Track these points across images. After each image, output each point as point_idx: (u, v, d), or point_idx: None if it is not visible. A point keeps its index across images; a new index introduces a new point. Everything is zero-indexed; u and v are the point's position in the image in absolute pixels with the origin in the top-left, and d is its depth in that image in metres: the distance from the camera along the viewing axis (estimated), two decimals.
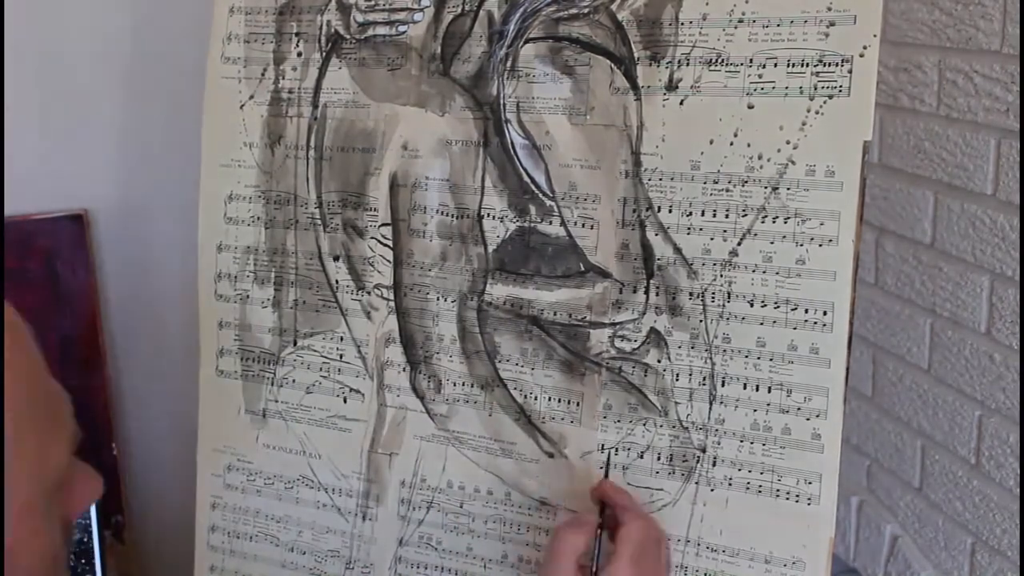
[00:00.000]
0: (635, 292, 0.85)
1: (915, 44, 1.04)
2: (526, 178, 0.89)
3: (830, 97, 0.78)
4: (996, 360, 0.97)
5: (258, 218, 1.01)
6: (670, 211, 0.83)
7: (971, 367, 1.01)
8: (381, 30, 0.95)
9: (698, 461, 0.84)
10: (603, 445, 0.87)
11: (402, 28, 0.94)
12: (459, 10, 0.91)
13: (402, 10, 0.94)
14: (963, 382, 1.02)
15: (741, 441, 0.82)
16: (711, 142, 0.82)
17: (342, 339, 0.97)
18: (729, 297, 0.82)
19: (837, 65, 0.78)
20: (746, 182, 0.81)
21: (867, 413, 1.19)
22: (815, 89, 0.79)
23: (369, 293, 0.96)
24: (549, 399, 0.89)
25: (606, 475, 0.85)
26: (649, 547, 0.77)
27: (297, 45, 0.99)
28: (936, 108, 1.02)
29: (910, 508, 1.12)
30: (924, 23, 1.03)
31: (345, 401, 0.98)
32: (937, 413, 1.07)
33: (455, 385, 0.92)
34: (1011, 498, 0.96)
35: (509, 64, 0.89)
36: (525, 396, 0.89)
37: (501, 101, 0.89)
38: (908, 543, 1.13)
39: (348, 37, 0.96)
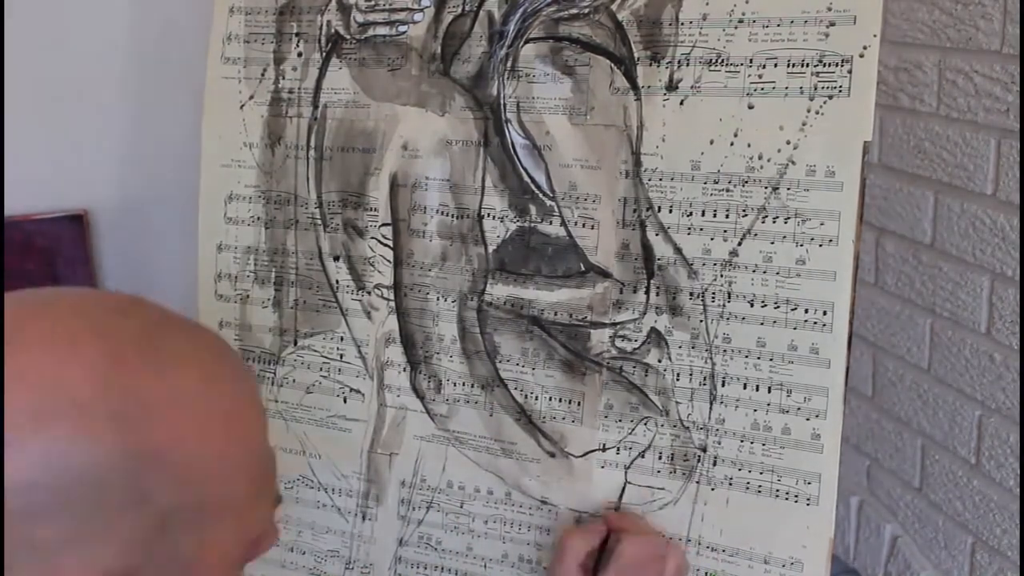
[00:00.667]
0: (635, 292, 0.85)
1: (915, 44, 1.05)
2: (526, 178, 0.89)
3: (830, 97, 0.78)
4: (996, 360, 0.97)
5: (258, 218, 1.01)
6: (670, 211, 0.83)
7: (971, 367, 1.01)
8: (381, 30, 0.95)
9: (699, 461, 0.84)
10: (604, 444, 0.87)
11: (402, 28, 0.94)
12: (459, 10, 0.91)
13: (402, 10, 0.94)
14: (963, 382, 1.02)
15: (741, 441, 0.82)
16: (711, 142, 0.82)
17: (342, 339, 0.97)
18: (729, 297, 0.82)
19: (837, 65, 0.78)
20: (746, 182, 0.81)
21: (867, 413, 1.19)
22: (815, 89, 0.79)
23: (369, 293, 0.96)
24: (550, 399, 0.89)
25: (617, 508, 0.85)
26: (635, 569, 0.79)
27: (297, 45, 0.99)
28: (936, 108, 1.03)
29: (910, 508, 1.12)
30: (924, 23, 1.03)
31: (345, 401, 0.98)
32: (937, 413, 1.07)
33: (455, 385, 0.92)
34: (1011, 498, 0.96)
35: (509, 64, 0.89)
36: (526, 396, 0.89)
37: (501, 101, 0.89)
38: (908, 543, 1.13)
39: (348, 37, 0.96)
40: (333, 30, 0.97)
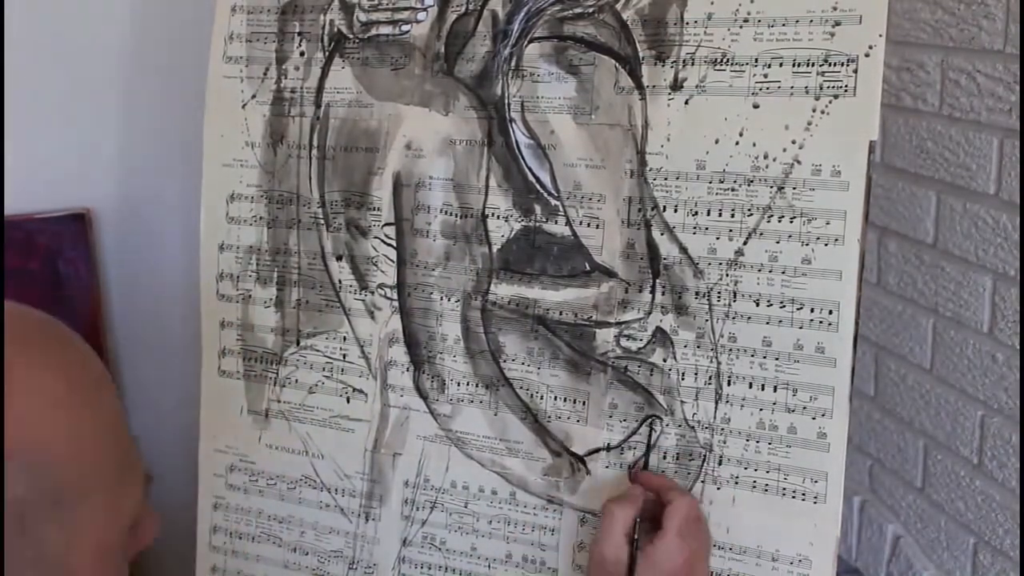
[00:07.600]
0: (641, 291, 0.85)
1: (918, 44, 1.05)
2: (531, 178, 0.88)
3: (836, 97, 0.78)
4: (998, 360, 0.97)
5: (260, 218, 1.00)
6: (676, 210, 0.83)
7: (973, 367, 1.01)
8: (384, 29, 0.95)
9: (704, 460, 0.84)
10: (609, 444, 0.87)
11: (405, 27, 0.94)
12: (463, 9, 0.91)
13: (405, 9, 0.94)
14: (965, 382, 1.02)
15: (747, 440, 0.82)
16: (716, 141, 0.82)
17: (345, 339, 0.97)
18: (735, 296, 0.82)
19: (843, 65, 0.78)
20: (752, 181, 0.81)
21: (869, 413, 1.19)
22: (821, 89, 0.79)
23: (372, 293, 0.96)
24: (555, 398, 0.89)
25: (645, 466, 0.85)
26: (692, 524, 0.79)
27: (300, 44, 0.98)
28: (939, 108, 1.03)
29: (912, 508, 1.12)
30: (927, 23, 1.03)
31: (348, 401, 0.97)
32: (939, 413, 1.07)
33: (459, 385, 0.92)
34: (1013, 498, 0.97)
35: (513, 63, 0.89)
36: (531, 395, 0.89)
37: (505, 100, 0.89)
38: (910, 543, 1.13)
39: (351, 36, 0.96)
40: (336, 29, 0.97)
